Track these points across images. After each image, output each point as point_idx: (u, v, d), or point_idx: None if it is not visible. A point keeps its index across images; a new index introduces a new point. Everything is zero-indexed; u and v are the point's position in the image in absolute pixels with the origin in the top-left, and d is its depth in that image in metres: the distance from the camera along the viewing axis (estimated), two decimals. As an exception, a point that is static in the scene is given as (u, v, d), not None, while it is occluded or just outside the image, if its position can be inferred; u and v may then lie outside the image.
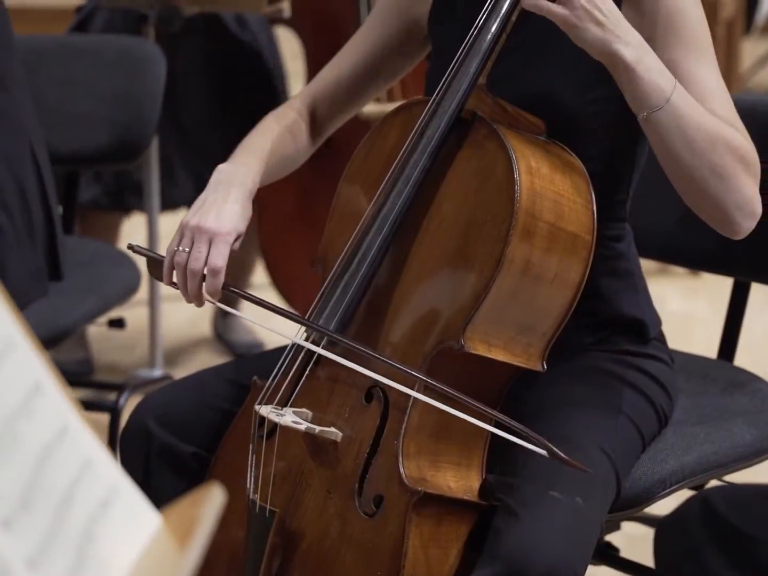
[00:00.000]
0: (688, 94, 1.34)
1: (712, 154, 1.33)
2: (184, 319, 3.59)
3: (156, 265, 1.44)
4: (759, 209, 1.37)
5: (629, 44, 1.30)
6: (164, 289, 2.21)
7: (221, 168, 1.47)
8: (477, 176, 1.35)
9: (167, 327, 3.31)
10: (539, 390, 1.42)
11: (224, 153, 1.61)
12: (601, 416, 1.42)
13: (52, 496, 0.64)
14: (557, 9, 1.29)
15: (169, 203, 3.06)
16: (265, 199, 3.22)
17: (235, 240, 1.41)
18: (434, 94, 1.38)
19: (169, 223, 2.63)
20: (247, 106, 3.04)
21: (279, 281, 3.32)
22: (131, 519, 0.71)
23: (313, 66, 3.04)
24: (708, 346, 1.91)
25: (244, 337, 3.38)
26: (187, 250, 1.38)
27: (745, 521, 1.23)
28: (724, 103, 1.39)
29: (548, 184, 1.32)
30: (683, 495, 1.56)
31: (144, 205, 2.91)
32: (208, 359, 3.31)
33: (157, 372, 2.85)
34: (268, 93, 3.06)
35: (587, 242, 1.34)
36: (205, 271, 1.37)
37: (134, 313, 2.95)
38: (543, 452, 1.24)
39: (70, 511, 0.65)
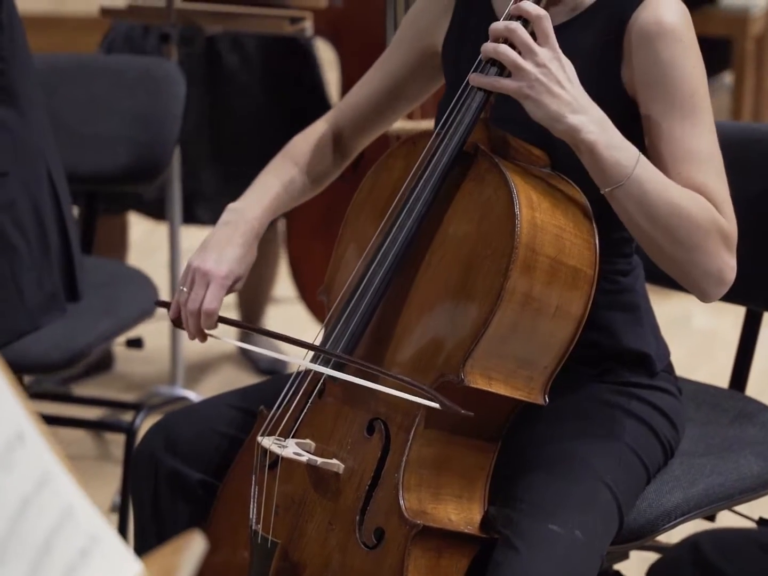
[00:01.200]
0: (654, 169, 1.33)
1: (676, 227, 1.32)
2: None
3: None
4: (730, 277, 1.36)
5: (589, 120, 1.28)
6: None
7: (231, 207, 1.52)
8: (479, 210, 1.35)
9: (190, 341, 3.31)
10: (540, 422, 1.42)
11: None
12: (602, 448, 1.42)
13: (30, 546, 0.65)
14: (509, 84, 1.29)
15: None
16: (293, 213, 3.26)
17: (235, 282, 1.47)
18: (438, 128, 1.39)
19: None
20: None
21: (306, 294, 3.34)
22: (111, 567, 0.72)
23: (347, 76, 3.08)
24: (731, 365, 1.88)
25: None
26: (186, 290, 1.44)
27: (734, 568, 1.22)
28: (705, 168, 1.36)
29: (549, 218, 1.32)
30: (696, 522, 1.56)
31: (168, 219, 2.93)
32: (231, 375, 3.33)
33: (178, 390, 2.86)
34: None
35: (589, 276, 1.34)
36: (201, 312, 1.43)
37: (158, 327, 2.97)
38: (436, 405, 1.26)
39: (48, 561, 0.66)
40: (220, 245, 1.47)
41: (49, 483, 0.69)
